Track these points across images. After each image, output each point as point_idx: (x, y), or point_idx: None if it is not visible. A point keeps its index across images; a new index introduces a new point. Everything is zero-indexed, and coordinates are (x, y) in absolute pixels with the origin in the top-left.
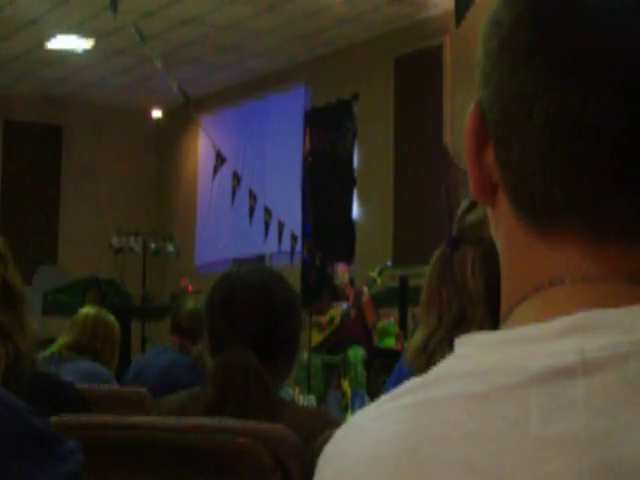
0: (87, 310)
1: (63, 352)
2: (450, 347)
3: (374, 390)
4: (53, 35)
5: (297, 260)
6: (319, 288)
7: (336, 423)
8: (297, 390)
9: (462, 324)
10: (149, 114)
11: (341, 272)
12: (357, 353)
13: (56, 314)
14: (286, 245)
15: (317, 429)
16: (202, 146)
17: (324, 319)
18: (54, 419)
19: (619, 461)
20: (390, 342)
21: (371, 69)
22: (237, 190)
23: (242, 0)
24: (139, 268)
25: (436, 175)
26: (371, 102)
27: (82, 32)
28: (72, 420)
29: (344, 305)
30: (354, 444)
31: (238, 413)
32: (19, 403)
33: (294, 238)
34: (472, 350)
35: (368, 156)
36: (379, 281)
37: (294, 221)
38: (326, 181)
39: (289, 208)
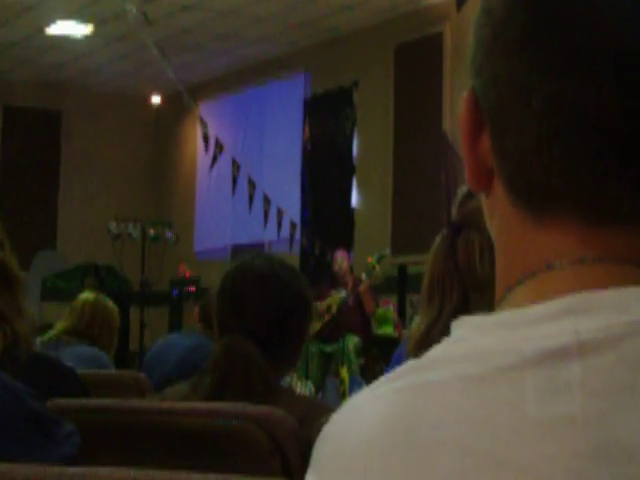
0: (86, 295)
1: (61, 337)
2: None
3: (372, 377)
4: (53, 21)
5: (296, 247)
6: (318, 275)
7: (333, 409)
8: (295, 377)
9: (464, 312)
10: (148, 100)
11: (340, 259)
12: (351, 342)
13: (54, 300)
14: (285, 232)
15: (314, 415)
16: (201, 132)
17: (322, 306)
18: (52, 402)
19: (615, 442)
20: (388, 329)
21: (371, 56)
22: (237, 177)
23: None
24: (138, 254)
25: (435, 163)
26: (371, 90)
27: (81, 18)
28: (70, 403)
29: (342, 292)
30: (351, 426)
31: (238, 400)
32: (17, 385)
33: (293, 225)
34: (468, 333)
35: (368, 144)
36: (378, 268)
37: (293, 208)
38: (325, 169)
39: (288, 195)
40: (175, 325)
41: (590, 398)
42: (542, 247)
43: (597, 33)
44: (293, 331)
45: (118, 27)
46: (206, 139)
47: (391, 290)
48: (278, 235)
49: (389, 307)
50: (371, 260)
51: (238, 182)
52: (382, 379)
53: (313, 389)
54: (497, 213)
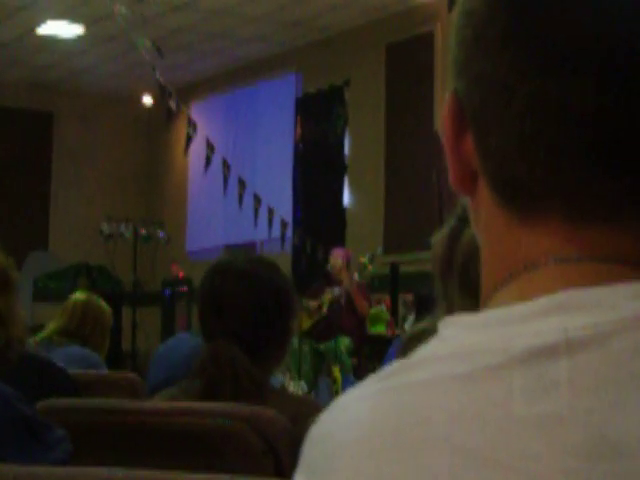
0: (77, 296)
1: (53, 338)
2: None
3: (365, 377)
4: (43, 21)
5: (288, 247)
6: (310, 274)
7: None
8: (287, 377)
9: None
10: (140, 100)
11: (334, 257)
12: (342, 343)
13: (46, 300)
14: (277, 232)
15: (305, 414)
16: (187, 134)
17: (313, 305)
18: (43, 402)
19: (603, 439)
20: (381, 328)
21: (362, 56)
22: (228, 177)
23: None
24: (130, 254)
25: (427, 162)
26: (362, 89)
27: (73, 18)
28: (62, 404)
29: (336, 290)
30: (339, 426)
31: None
32: (7, 390)
33: (285, 224)
34: (456, 332)
35: (359, 142)
36: (370, 268)
37: (285, 208)
38: (317, 168)
39: (280, 194)
40: (167, 325)
41: (577, 395)
42: (528, 246)
43: (578, 31)
44: (277, 328)
45: (109, 27)
46: (189, 140)
47: (383, 289)
48: (270, 234)
49: (381, 306)
50: (363, 260)
51: (229, 182)
52: (369, 379)
53: (306, 389)
54: (482, 214)
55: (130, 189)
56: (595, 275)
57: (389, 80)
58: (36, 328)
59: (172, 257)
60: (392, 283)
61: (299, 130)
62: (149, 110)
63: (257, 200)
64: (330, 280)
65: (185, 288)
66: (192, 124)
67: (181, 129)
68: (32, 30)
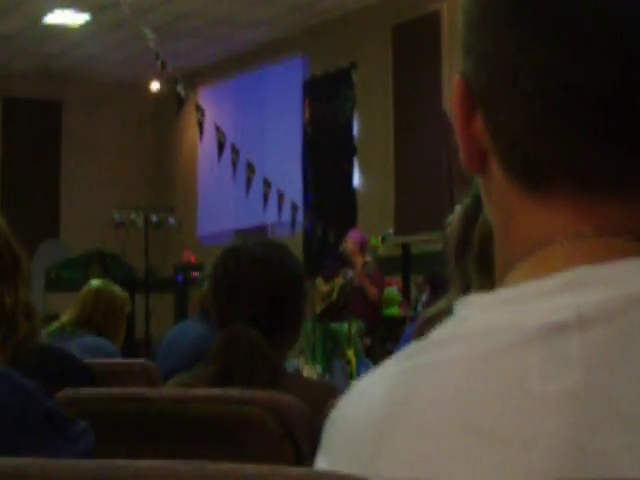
0: (90, 284)
1: (66, 328)
2: None
3: (379, 358)
4: (50, 10)
5: (299, 230)
6: (321, 256)
7: (341, 392)
8: (302, 360)
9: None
10: (148, 87)
11: (349, 240)
12: (354, 326)
13: (59, 290)
14: (287, 215)
15: (322, 399)
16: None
17: (325, 287)
18: (61, 393)
19: (617, 414)
20: (394, 310)
21: (369, 37)
22: (237, 162)
23: None
24: (141, 241)
25: (436, 141)
26: (369, 70)
27: (79, 6)
28: (79, 394)
29: (348, 274)
30: (358, 409)
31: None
32: (29, 384)
33: (295, 208)
34: (472, 312)
35: (368, 124)
36: (381, 249)
37: (295, 191)
38: (326, 150)
39: (290, 178)
40: (181, 311)
41: (590, 371)
42: (540, 223)
43: (585, 9)
44: (291, 311)
45: (115, 15)
46: (201, 126)
47: (395, 270)
48: (280, 218)
49: (393, 287)
50: (374, 241)
51: (239, 166)
52: (387, 361)
53: (321, 372)
54: (494, 193)
55: (140, 176)
56: (608, 251)
57: (396, 60)
58: (49, 319)
59: (184, 243)
60: (404, 264)
61: (307, 113)
62: (157, 96)
63: (267, 184)
64: (344, 261)
65: (197, 273)
66: (200, 110)
67: (189, 115)
68: (39, 20)
